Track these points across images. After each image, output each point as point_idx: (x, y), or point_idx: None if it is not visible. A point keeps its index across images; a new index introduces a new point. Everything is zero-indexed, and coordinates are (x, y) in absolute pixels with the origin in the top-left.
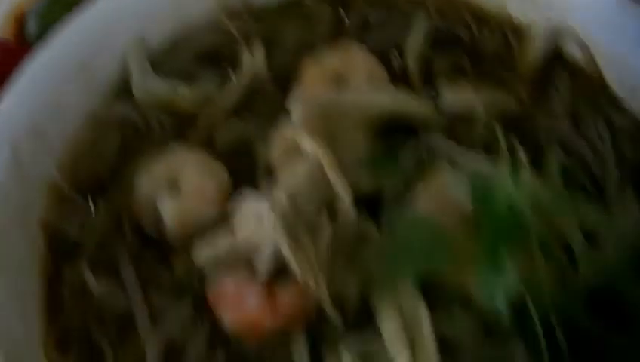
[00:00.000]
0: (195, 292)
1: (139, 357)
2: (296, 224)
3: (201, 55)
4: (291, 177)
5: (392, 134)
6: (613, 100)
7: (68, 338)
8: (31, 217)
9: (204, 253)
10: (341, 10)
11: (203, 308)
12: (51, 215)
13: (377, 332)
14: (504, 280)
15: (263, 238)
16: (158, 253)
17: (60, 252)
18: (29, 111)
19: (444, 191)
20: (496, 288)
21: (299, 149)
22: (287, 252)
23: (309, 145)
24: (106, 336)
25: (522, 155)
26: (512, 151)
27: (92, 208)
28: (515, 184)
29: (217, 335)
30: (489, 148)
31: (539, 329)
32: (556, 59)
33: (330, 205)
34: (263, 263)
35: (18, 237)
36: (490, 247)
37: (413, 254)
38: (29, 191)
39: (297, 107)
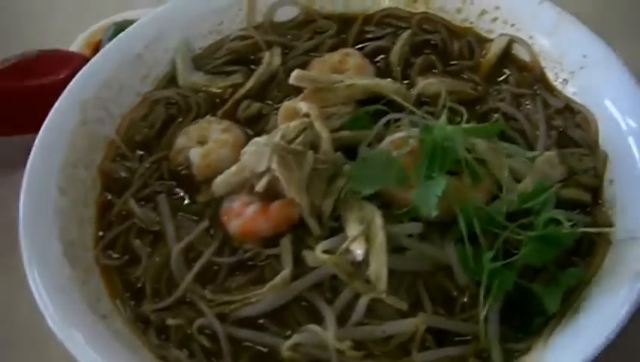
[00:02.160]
0: (212, 215)
1: (166, 258)
2: (286, 154)
3: (232, 57)
4: (286, 126)
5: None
6: (548, 87)
7: (113, 245)
8: (93, 163)
9: (219, 180)
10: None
11: (217, 225)
12: (107, 164)
13: (345, 237)
14: (435, 190)
15: (260, 164)
16: (187, 191)
17: (111, 189)
18: (95, 85)
19: (401, 137)
20: (429, 196)
21: (297, 114)
22: (278, 173)
23: (303, 104)
24: (142, 245)
25: (465, 116)
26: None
27: (139, 159)
28: (454, 131)
29: (226, 242)
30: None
31: (464, 230)
32: (507, 58)
33: (315, 145)
34: (259, 181)
35: (83, 175)
36: (427, 169)
37: (372, 177)
38: (92, 143)
39: (298, 75)
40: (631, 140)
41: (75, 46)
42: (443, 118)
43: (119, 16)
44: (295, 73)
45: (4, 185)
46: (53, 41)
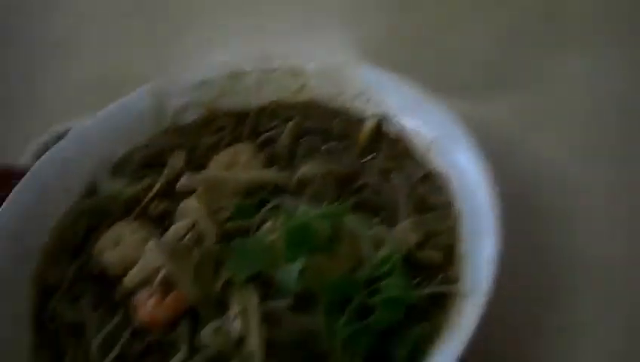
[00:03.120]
0: (125, 308)
1: (86, 350)
2: (175, 251)
3: (144, 161)
4: (176, 226)
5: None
6: (411, 158)
7: (43, 343)
8: (28, 269)
9: (127, 277)
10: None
11: (129, 317)
12: (41, 269)
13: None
14: (293, 269)
15: (156, 262)
16: (106, 288)
17: (44, 292)
18: (22, 207)
19: (274, 224)
20: (289, 275)
21: (189, 213)
22: (169, 268)
23: (193, 203)
24: (67, 337)
25: (331, 196)
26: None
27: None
28: (315, 214)
29: (137, 331)
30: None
31: (323, 305)
32: (380, 135)
33: (203, 239)
34: (157, 276)
35: (18, 283)
36: (290, 250)
37: (247, 263)
38: (27, 256)
39: (184, 182)
40: (478, 199)
41: (25, 159)
42: (304, 201)
43: (63, 126)
44: (182, 180)
45: None
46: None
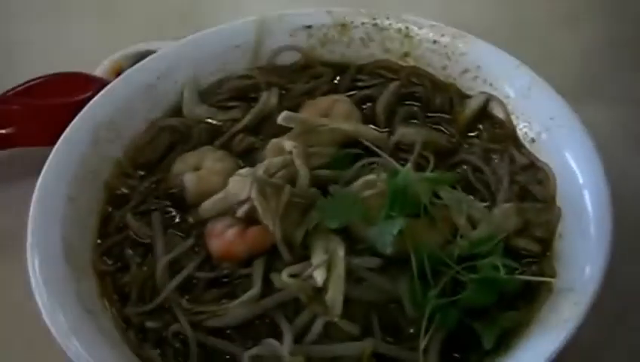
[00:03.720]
0: (197, 235)
1: (153, 268)
2: (265, 185)
3: (234, 94)
4: (269, 161)
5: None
6: (517, 145)
7: (108, 252)
8: (99, 178)
9: (206, 204)
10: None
11: (201, 244)
12: (112, 180)
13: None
14: (391, 229)
15: (242, 193)
16: (179, 211)
17: (113, 203)
18: (111, 109)
19: (372, 180)
20: (385, 234)
21: (282, 151)
22: (256, 202)
23: (288, 143)
24: (133, 255)
25: (432, 164)
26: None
27: (140, 179)
28: (417, 177)
29: (207, 260)
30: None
31: (412, 273)
32: (483, 114)
33: (293, 180)
34: (240, 209)
35: (89, 188)
36: (391, 209)
37: (339, 212)
38: (101, 161)
39: (285, 116)
40: (585, 200)
41: (100, 70)
42: (409, 165)
43: (142, 46)
44: (283, 114)
45: (21, 189)
46: (81, 63)
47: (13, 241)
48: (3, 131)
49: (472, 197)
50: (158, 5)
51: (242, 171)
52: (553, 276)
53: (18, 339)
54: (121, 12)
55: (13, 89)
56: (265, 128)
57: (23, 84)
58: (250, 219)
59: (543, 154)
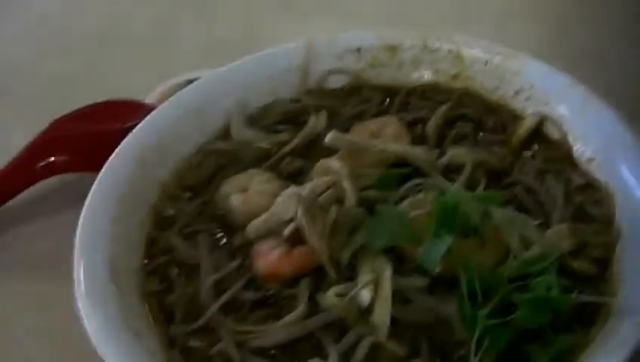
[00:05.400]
0: (243, 256)
1: (198, 289)
2: (312, 205)
3: (283, 117)
4: (316, 181)
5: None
6: (573, 164)
7: (154, 274)
8: (146, 201)
9: (252, 225)
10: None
11: (246, 266)
12: (159, 202)
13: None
14: (439, 247)
15: (287, 213)
16: (225, 233)
17: (159, 225)
18: (158, 133)
19: (421, 200)
20: (433, 253)
21: (329, 171)
22: (303, 222)
23: (335, 163)
24: (179, 276)
25: (482, 185)
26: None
27: (187, 201)
28: (466, 196)
29: (252, 281)
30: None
31: (462, 293)
32: (537, 135)
33: (340, 200)
34: (286, 229)
35: (136, 210)
36: (438, 227)
37: (385, 231)
38: (148, 184)
39: (333, 137)
40: None
41: (151, 98)
42: (458, 184)
43: (193, 75)
44: (330, 135)
45: (71, 215)
46: (131, 91)
47: (60, 265)
48: (53, 158)
49: (524, 216)
50: (209, 35)
51: (288, 191)
52: (612, 297)
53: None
54: (172, 41)
55: (63, 116)
56: (313, 151)
57: (74, 111)
58: (297, 240)
59: (600, 173)
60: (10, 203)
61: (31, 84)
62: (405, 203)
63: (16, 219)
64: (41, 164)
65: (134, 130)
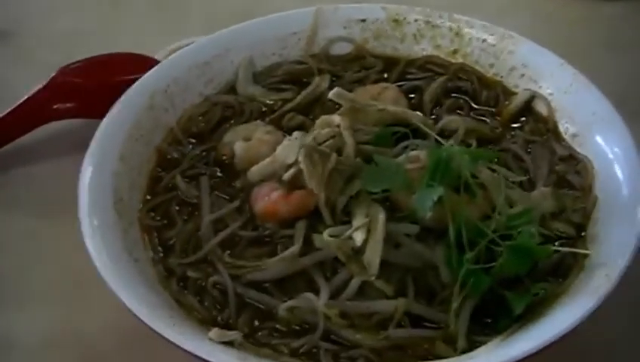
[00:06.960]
0: (243, 198)
1: (198, 226)
2: (313, 152)
3: (287, 77)
4: (318, 131)
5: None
6: (558, 138)
7: (155, 209)
8: (152, 142)
9: (254, 168)
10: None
11: (246, 207)
12: (164, 145)
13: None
14: (431, 195)
15: (290, 157)
16: (227, 176)
17: (163, 166)
18: (166, 80)
19: (415, 156)
20: (426, 200)
21: (331, 125)
22: (303, 166)
23: (336, 117)
24: (180, 213)
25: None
26: None
27: (191, 146)
28: (458, 151)
29: (250, 221)
30: None
31: (452, 237)
32: (527, 109)
33: (340, 150)
34: (287, 172)
35: (141, 149)
36: (431, 177)
37: (381, 179)
38: (154, 126)
39: (337, 92)
40: (623, 193)
41: (160, 56)
42: (451, 141)
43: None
44: (335, 90)
45: (78, 159)
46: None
47: (67, 206)
48: (60, 103)
49: (511, 178)
50: (220, 3)
51: (291, 137)
52: (586, 251)
53: (67, 281)
54: (184, 7)
55: (74, 63)
56: (315, 110)
57: (84, 59)
58: (296, 185)
59: (583, 148)
60: (17, 142)
61: (42, 39)
62: (401, 158)
63: (22, 159)
64: (50, 107)
65: (145, 75)
